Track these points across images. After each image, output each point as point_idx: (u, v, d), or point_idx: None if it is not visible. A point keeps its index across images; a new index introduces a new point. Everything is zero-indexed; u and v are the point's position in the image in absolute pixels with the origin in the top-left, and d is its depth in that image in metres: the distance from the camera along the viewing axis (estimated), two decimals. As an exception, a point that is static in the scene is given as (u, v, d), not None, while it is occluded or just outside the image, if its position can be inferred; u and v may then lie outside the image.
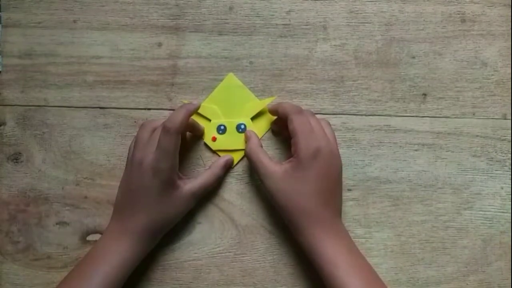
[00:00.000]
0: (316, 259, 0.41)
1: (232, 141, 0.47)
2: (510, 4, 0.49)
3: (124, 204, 0.44)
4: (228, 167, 0.47)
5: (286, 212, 0.43)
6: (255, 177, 0.47)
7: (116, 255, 0.42)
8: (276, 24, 0.49)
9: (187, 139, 0.48)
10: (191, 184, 0.44)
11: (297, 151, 0.42)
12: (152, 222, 0.43)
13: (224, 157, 0.47)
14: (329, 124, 0.45)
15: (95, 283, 0.40)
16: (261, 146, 0.45)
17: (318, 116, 0.47)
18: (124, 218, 0.43)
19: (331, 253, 0.40)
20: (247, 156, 0.45)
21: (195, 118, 0.47)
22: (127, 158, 0.44)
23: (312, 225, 0.41)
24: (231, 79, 0.48)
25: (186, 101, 0.48)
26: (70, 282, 0.41)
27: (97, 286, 0.40)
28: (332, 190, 0.43)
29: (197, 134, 0.47)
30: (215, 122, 0.48)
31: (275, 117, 0.48)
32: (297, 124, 0.42)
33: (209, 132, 0.48)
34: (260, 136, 0.48)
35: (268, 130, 0.48)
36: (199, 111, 0.47)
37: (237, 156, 0.48)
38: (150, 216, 0.42)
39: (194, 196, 0.44)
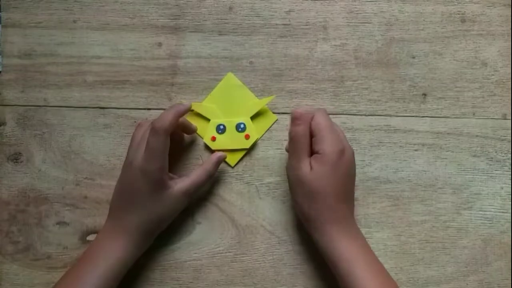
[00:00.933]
0: (331, 256, 0.41)
1: (232, 140, 0.47)
2: (510, 4, 0.49)
3: (117, 204, 0.44)
4: (220, 163, 0.46)
5: (307, 207, 0.42)
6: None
7: (110, 254, 0.42)
8: (276, 24, 0.49)
9: (185, 139, 0.48)
10: (182, 183, 0.44)
11: (323, 148, 0.41)
12: (145, 222, 0.42)
13: (217, 153, 0.46)
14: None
15: (89, 283, 0.40)
16: (309, 135, 0.43)
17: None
18: (117, 217, 0.43)
19: (348, 251, 0.41)
20: (292, 136, 0.43)
21: (195, 118, 0.47)
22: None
23: (330, 223, 0.41)
24: (231, 79, 0.48)
25: (185, 102, 0.48)
26: (65, 282, 0.41)
27: (90, 285, 0.40)
28: (350, 190, 0.43)
29: (189, 133, 0.47)
30: (215, 121, 0.48)
31: (275, 117, 0.48)
32: (322, 121, 0.42)
33: (209, 131, 0.48)
34: (259, 136, 0.48)
35: (268, 129, 0.48)
36: (199, 110, 0.47)
37: (237, 156, 0.48)
38: (143, 216, 0.42)
39: (186, 194, 0.44)
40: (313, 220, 0.42)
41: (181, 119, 0.44)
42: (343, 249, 0.41)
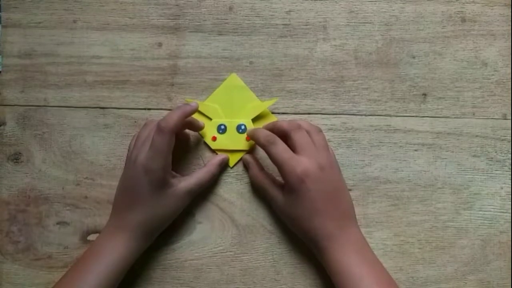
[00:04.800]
0: (332, 277, 0.42)
1: (232, 141, 0.47)
2: (510, 4, 0.49)
3: (120, 202, 0.44)
4: (223, 165, 0.47)
5: (297, 233, 0.44)
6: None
7: (112, 252, 0.42)
8: (276, 24, 0.49)
9: (189, 138, 0.48)
10: (186, 182, 0.44)
11: (283, 178, 0.42)
12: (147, 220, 0.43)
13: (220, 155, 0.47)
14: (319, 130, 0.44)
15: (91, 280, 0.40)
16: (263, 169, 0.46)
17: (316, 116, 0.47)
18: (120, 215, 0.43)
19: (343, 267, 0.41)
20: (252, 182, 0.47)
21: (197, 117, 0.47)
22: (127, 156, 0.44)
23: (323, 243, 0.42)
24: (234, 79, 0.48)
25: (189, 100, 0.48)
26: (67, 279, 0.42)
27: (91, 283, 0.40)
28: (332, 202, 0.42)
29: (196, 131, 0.47)
30: (216, 121, 0.48)
31: (276, 119, 0.48)
32: (275, 155, 0.42)
33: (210, 131, 0.48)
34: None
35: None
36: (201, 109, 0.47)
37: (236, 156, 0.48)
38: (145, 214, 0.42)
39: (189, 194, 0.44)
40: (308, 244, 0.44)
41: (188, 118, 0.45)
42: (340, 267, 0.41)
